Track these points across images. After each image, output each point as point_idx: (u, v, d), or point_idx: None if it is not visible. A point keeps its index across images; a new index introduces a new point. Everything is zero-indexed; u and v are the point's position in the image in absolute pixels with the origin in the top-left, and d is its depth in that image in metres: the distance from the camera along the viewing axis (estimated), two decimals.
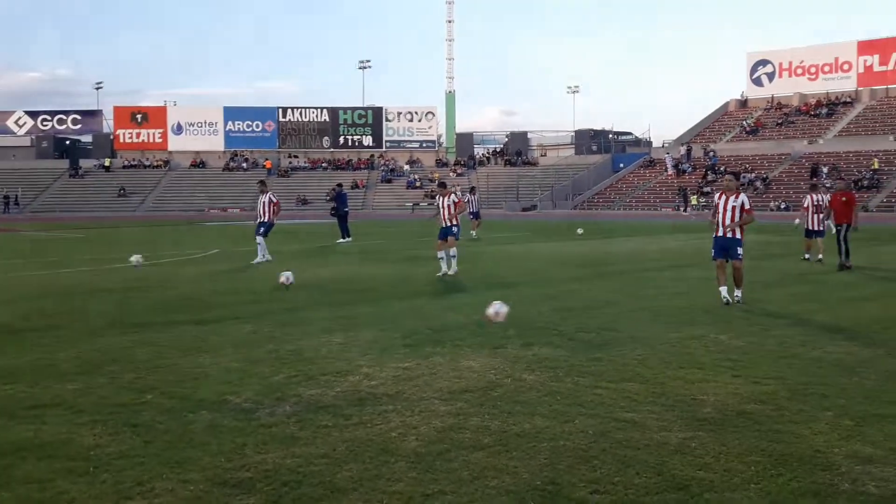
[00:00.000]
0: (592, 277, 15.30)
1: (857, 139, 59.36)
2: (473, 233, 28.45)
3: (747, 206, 11.41)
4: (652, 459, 4.81)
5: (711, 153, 63.00)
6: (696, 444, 5.09)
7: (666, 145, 72.07)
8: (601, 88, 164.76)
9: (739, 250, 11.36)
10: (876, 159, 54.56)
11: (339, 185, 30.31)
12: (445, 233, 15.87)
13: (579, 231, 30.09)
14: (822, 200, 18.20)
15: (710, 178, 59.17)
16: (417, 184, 71.41)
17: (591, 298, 12.21)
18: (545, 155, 78.67)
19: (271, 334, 9.12)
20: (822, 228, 17.92)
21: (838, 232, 16.46)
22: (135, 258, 12.18)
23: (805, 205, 18.49)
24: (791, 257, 18.84)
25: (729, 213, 11.40)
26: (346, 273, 16.49)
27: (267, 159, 77.59)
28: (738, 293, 11.31)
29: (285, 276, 13.26)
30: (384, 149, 79.38)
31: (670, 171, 63.44)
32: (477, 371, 7.15)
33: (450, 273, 15.40)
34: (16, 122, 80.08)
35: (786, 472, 4.56)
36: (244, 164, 77.31)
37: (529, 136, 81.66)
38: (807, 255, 18.05)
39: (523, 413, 5.80)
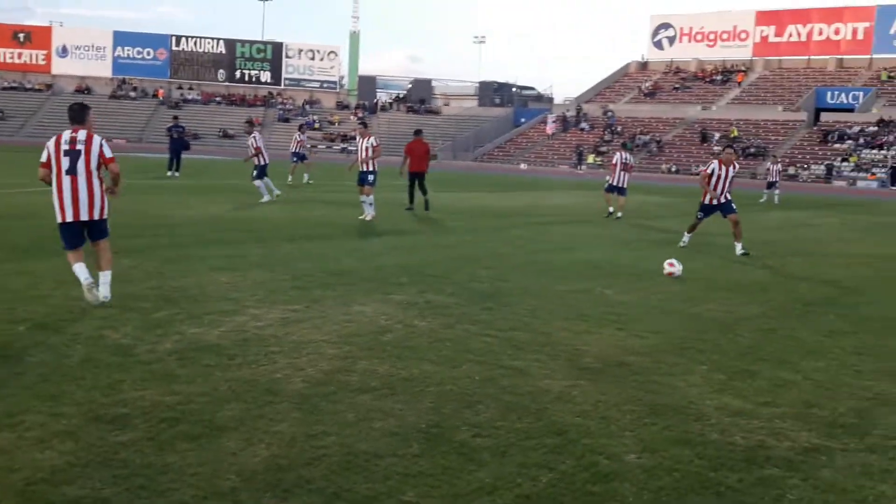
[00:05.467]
0: (487, 230, 15.42)
1: (747, 107, 61.61)
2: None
3: (733, 174, 12.89)
4: (534, 406, 4.91)
5: (609, 113, 64.26)
6: (577, 392, 5.22)
7: (567, 102, 73.00)
8: (508, 42, 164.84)
9: (733, 206, 12.87)
10: (735, 128, 56.82)
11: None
12: (362, 179, 15.46)
13: None
14: (629, 159, 19.65)
15: (607, 137, 60.42)
16: (316, 125, 70.00)
17: (485, 249, 12.33)
18: (448, 104, 78.40)
19: (155, 270, 8.81)
20: (624, 186, 19.15)
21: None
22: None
23: (613, 161, 19.56)
24: (676, 219, 19.51)
25: (728, 183, 12.83)
26: (238, 213, 16.07)
27: (158, 88, 74.35)
28: (739, 246, 12.50)
29: None
30: (282, 86, 77.31)
31: (549, 130, 64.20)
32: (368, 316, 7.10)
33: (367, 219, 15.10)
34: None
35: (659, 421, 4.74)
36: (132, 93, 73.84)
37: (433, 84, 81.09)
38: (611, 211, 19.33)
39: (412, 358, 5.81)
